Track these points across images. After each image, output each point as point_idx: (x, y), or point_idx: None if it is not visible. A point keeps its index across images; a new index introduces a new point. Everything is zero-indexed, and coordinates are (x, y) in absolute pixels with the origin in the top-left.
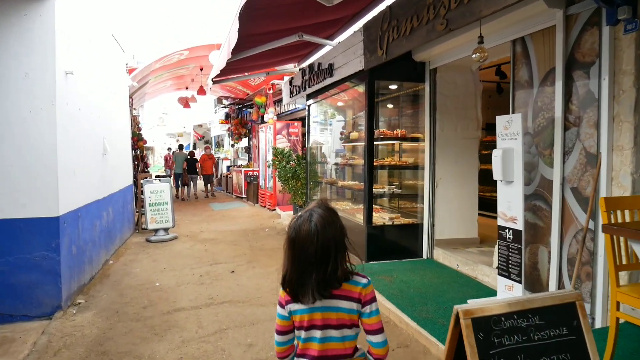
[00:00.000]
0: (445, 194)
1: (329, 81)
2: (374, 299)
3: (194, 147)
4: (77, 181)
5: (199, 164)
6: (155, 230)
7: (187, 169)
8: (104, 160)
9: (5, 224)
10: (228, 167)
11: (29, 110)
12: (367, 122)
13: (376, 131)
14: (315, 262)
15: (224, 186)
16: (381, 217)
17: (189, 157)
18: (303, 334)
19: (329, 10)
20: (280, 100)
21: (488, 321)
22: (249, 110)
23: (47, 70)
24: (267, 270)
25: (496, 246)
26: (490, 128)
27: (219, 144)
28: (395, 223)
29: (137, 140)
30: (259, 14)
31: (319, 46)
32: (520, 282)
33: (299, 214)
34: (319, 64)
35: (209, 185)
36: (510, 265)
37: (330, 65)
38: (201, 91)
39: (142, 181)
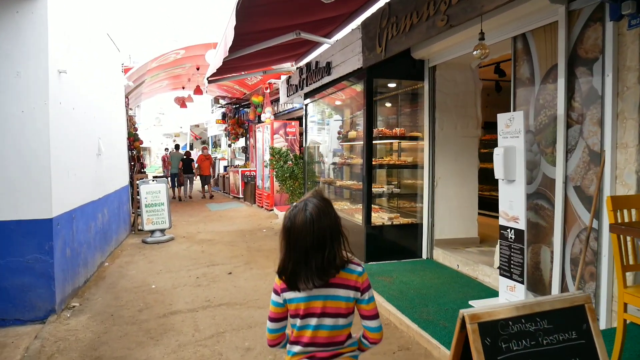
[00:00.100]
0: (445, 193)
1: (326, 80)
2: (370, 286)
3: (191, 148)
4: (71, 182)
5: (195, 164)
6: (152, 232)
7: (182, 168)
8: (99, 160)
9: None
10: (225, 167)
11: (21, 109)
12: (366, 121)
13: (375, 130)
14: (312, 250)
15: (220, 186)
16: (380, 217)
17: (184, 157)
18: (298, 322)
19: (326, 8)
20: (277, 100)
21: (495, 326)
22: (246, 109)
23: (39, 69)
24: (265, 272)
25: (497, 246)
26: (488, 127)
27: (216, 144)
28: (394, 223)
29: (134, 141)
30: (256, 11)
31: (317, 45)
32: (522, 282)
33: (294, 204)
34: (317, 63)
35: (206, 186)
36: (512, 266)
37: (328, 64)
38: (198, 91)
39: (138, 182)
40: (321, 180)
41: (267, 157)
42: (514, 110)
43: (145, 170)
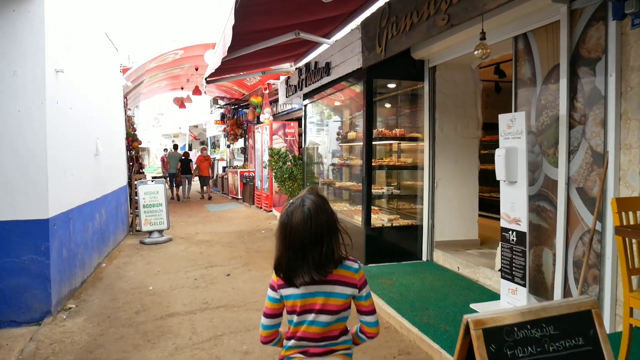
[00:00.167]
0: (445, 194)
1: (326, 80)
2: (366, 282)
3: (190, 148)
4: (68, 182)
5: (193, 165)
6: (150, 232)
7: (181, 169)
8: (96, 160)
9: None
10: (224, 168)
11: (17, 109)
12: (366, 122)
13: (374, 131)
14: (310, 246)
15: (219, 187)
16: (380, 219)
17: (183, 157)
18: (295, 318)
19: (325, 8)
20: (276, 101)
21: (500, 332)
22: (244, 110)
23: (36, 68)
24: (264, 273)
25: (498, 248)
26: (488, 127)
27: (215, 145)
28: (394, 224)
29: (132, 141)
30: (255, 10)
31: (316, 45)
32: (524, 285)
33: (291, 201)
34: (316, 63)
35: (204, 187)
36: (514, 268)
37: (327, 64)
38: (196, 91)
39: (136, 182)
40: (320, 181)
41: (266, 157)
42: (515, 110)
43: (143, 170)
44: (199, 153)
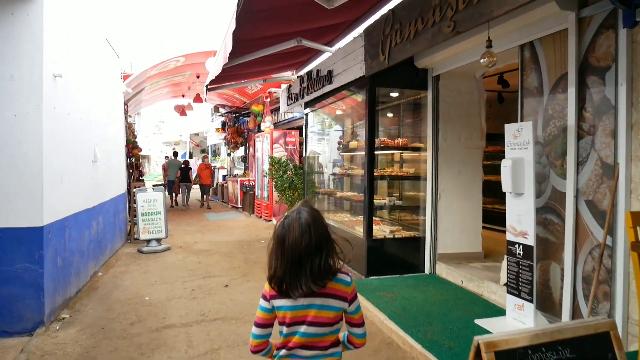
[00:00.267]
0: (448, 206)
1: (327, 88)
2: (356, 295)
3: (190, 156)
4: (64, 189)
5: (193, 173)
6: (148, 241)
7: (180, 177)
8: (95, 167)
9: None
10: (224, 177)
11: (13, 113)
12: (368, 131)
13: (376, 140)
14: (306, 258)
15: (219, 196)
16: (381, 230)
17: (183, 166)
18: (285, 329)
19: (328, 15)
20: (277, 109)
21: (513, 355)
22: (245, 118)
23: (34, 73)
24: (263, 285)
25: (503, 262)
26: (490, 138)
27: (216, 153)
28: (396, 236)
29: (132, 148)
30: (256, 17)
31: (318, 53)
32: (531, 301)
33: (286, 213)
34: (318, 71)
35: (205, 195)
36: (520, 283)
37: (330, 72)
38: (198, 99)
39: (134, 190)
40: (321, 190)
41: (267, 166)
42: (522, 120)
43: (143, 178)
44: (200, 161)
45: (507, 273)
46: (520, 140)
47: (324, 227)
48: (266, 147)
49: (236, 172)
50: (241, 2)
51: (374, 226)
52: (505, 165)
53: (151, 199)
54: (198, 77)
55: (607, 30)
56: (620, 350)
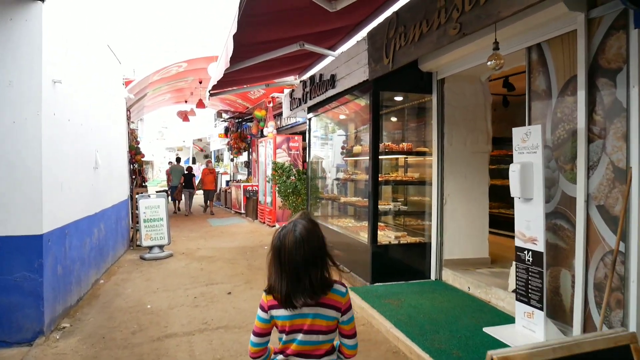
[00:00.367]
0: (454, 211)
1: (331, 93)
2: (350, 307)
3: (194, 162)
4: (64, 196)
5: (196, 179)
6: (150, 248)
7: (183, 183)
8: (96, 174)
9: None
10: (227, 182)
11: (12, 120)
12: (372, 135)
13: (381, 145)
14: (302, 270)
15: (222, 201)
16: (386, 236)
17: (186, 172)
18: (284, 337)
19: (331, 19)
20: (280, 114)
21: None
22: (248, 124)
23: (32, 79)
24: None
25: (512, 268)
26: (495, 142)
27: (219, 158)
28: (401, 242)
29: (135, 154)
30: (258, 20)
31: (321, 58)
32: (541, 309)
33: (283, 224)
34: (321, 76)
35: (208, 200)
36: (530, 290)
37: (333, 77)
38: (200, 104)
39: (137, 196)
40: (324, 196)
41: (270, 172)
42: (529, 124)
43: (146, 184)
44: (204, 166)
45: (516, 280)
46: (528, 144)
47: (318, 241)
48: (269, 152)
49: (239, 177)
50: (242, 6)
51: (378, 232)
52: (514, 169)
53: (153, 205)
54: (201, 82)
55: (618, 31)
56: None
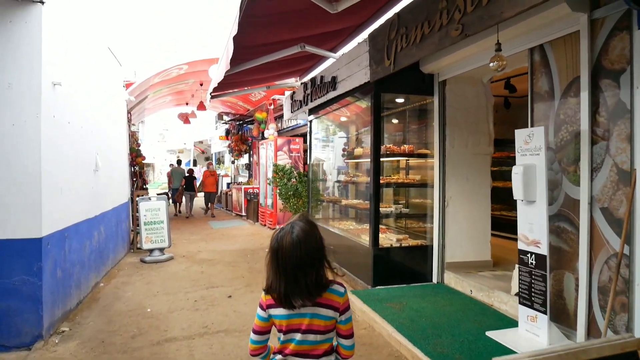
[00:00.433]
0: (456, 213)
1: (332, 95)
2: (349, 307)
3: (195, 164)
4: (64, 199)
5: (197, 181)
6: (151, 250)
7: (185, 185)
8: (96, 176)
9: None
10: (228, 184)
11: (12, 122)
12: (373, 137)
13: (382, 147)
14: (299, 271)
15: (223, 204)
16: (388, 239)
17: (187, 174)
18: (282, 336)
19: (332, 20)
20: (281, 116)
21: None
22: (249, 126)
23: (32, 81)
24: None
25: (514, 271)
26: (497, 144)
27: (220, 161)
28: (402, 245)
29: (136, 156)
30: (259, 22)
31: (321, 60)
32: (545, 312)
33: (281, 226)
34: (322, 77)
35: (209, 203)
36: (533, 294)
37: (334, 78)
38: (201, 107)
39: (137, 199)
40: (325, 198)
41: (271, 174)
42: (532, 126)
43: (147, 186)
44: (205, 168)
45: (519, 283)
46: (531, 146)
47: (315, 242)
48: (270, 154)
49: (240, 179)
50: (243, 7)
51: (380, 234)
52: (517, 172)
53: (154, 208)
54: (201, 84)
55: (621, 31)
56: None
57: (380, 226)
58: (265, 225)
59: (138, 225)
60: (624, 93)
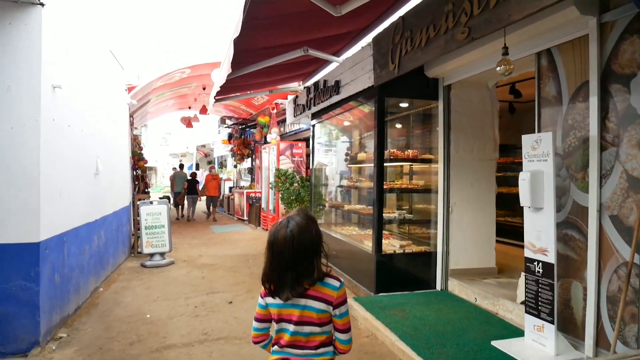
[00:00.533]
0: (461, 219)
1: (335, 99)
2: (345, 301)
3: (197, 167)
4: (63, 203)
5: (200, 186)
6: (151, 255)
7: (187, 189)
8: (96, 180)
9: None
10: (230, 188)
11: (10, 125)
12: (377, 142)
13: (385, 152)
14: (290, 264)
15: (225, 208)
16: (391, 245)
17: (190, 178)
18: (276, 325)
19: (336, 23)
20: (284, 120)
21: None
22: (252, 130)
23: (31, 84)
24: None
25: (520, 279)
26: (502, 149)
27: (222, 165)
28: (406, 251)
29: (138, 160)
30: (262, 24)
31: (325, 63)
32: (552, 322)
33: (279, 220)
34: (325, 82)
35: (211, 207)
36: (540, 303)
37: (337, 82)
38: (204, 111)
39: (138, 202)
40: (328, 203)
41: (273, 178)
42: (539, 131)
43: (149, 190)
44: (207, 172)
45: (526, 292)
46: (539, 152)
47: (310, 237)
48: (272, 158)
49: (242, 183)
50: (246, 9)
51: (383, 240)
52: (524, 178)
53: (155, 212)
54: (204, 88)
55: (632, 35)
56: None
57: (384, 232)
58: (267, 230)
59: (139, 229)
60: (635, 98)
